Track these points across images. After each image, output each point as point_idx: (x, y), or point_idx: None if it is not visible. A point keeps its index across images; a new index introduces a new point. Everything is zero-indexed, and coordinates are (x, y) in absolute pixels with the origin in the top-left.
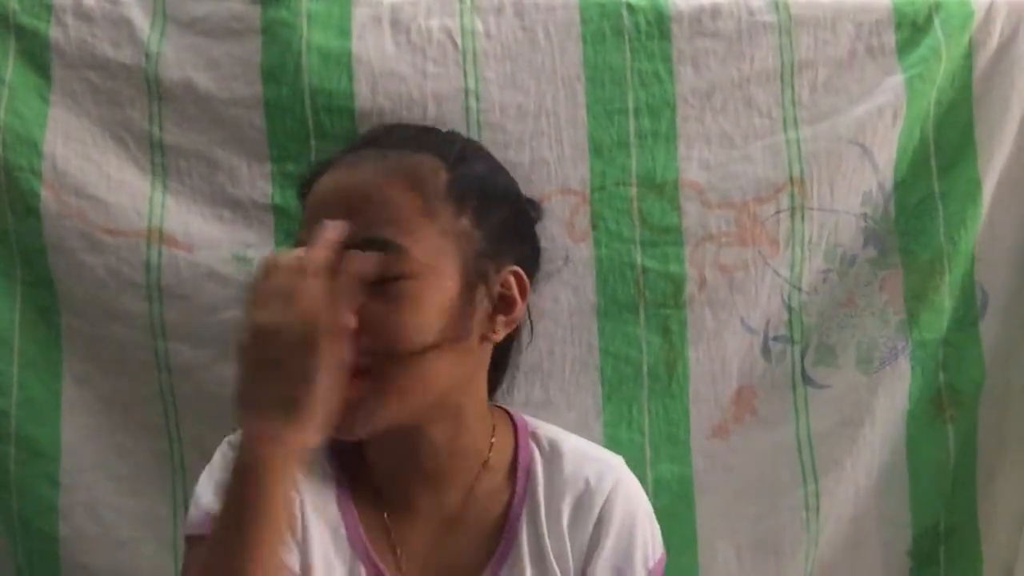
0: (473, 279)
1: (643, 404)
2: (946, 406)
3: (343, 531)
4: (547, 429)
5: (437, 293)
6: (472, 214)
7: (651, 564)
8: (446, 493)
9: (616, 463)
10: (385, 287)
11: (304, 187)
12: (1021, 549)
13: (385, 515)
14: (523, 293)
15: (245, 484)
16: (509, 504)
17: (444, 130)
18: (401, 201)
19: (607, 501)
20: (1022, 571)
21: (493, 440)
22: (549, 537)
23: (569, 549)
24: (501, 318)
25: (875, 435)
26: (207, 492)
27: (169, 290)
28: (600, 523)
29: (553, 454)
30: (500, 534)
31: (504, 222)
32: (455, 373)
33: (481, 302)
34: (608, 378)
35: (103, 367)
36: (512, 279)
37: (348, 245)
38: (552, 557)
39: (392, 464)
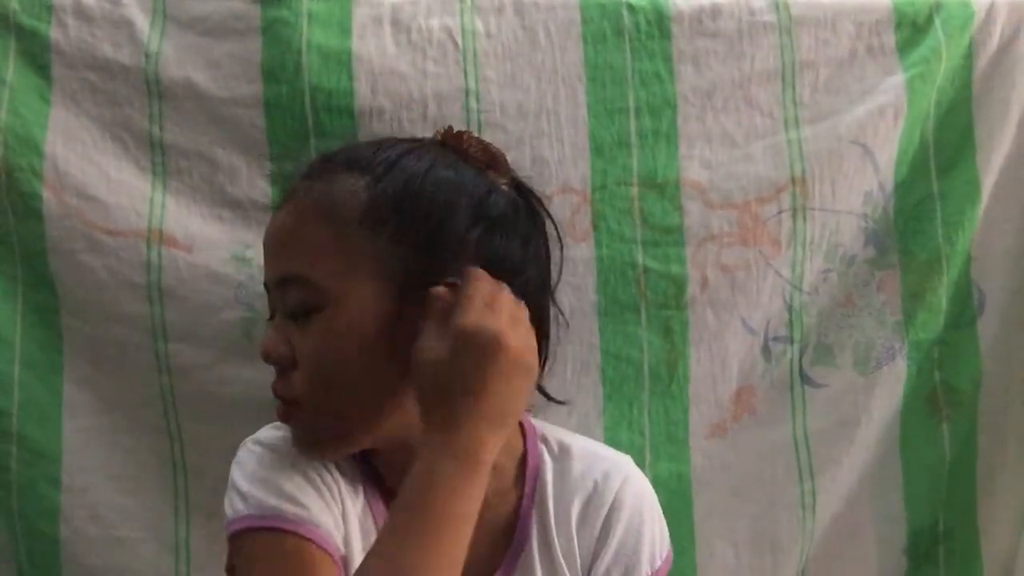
0: (409, 296)
1: (644, 405)
2: (942, 405)
3: (372, 529)
4: (555, 432)
5: (356, 318)
6: (393, 232)
7: (658, 563)
8: None
9: (624, 462)
10: (306, 320)
11: None
12: (1021, 549)
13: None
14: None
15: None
16: (518, 506)
17: (395, 139)
18: (312, 235)
19: (615, 500)
20: (1022, 572)
21: (503, 455)
22: (558, 537)
23: (577, 548)
24: None
25: (871, 434)
26: (256, 487)
27: (169, 291)
28: (608, 522)
29: (562, 455)
30: (510, 536)
31: (441, 233)
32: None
33: (412, 319)
34: (609, 378)
35: (104, 367)
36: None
37: (267, 285)
38: (561, 557)
39: (402, 472)
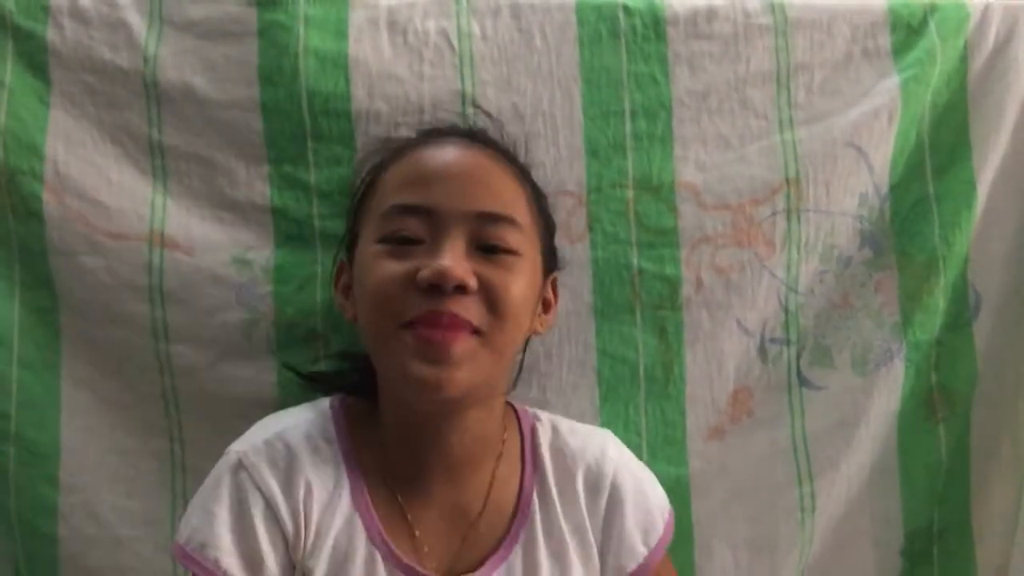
0: (542, 274)
1: (640, 405)
2: (938, 407)
3: (358, 520)
4: (545, 414)
5: (531, 274)
6: (543, 221)
7: (666, 516)
8: (466, 484)
9: (611, 435)
10: (498, 257)
11: (387, 157)
12: (1014, 550)
13: (400, 500)
14: (556, 299)
15: None
16: (520, 487)
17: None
18: (512, 187)
19: (616, 471)
20: (1016, 572)
21: (506, 431)
22: (563, 514)
23: (588, 521)
24: (543, 316)
25: (869, 436)
26: (224, 530)
27: (170, 293)
28: (615, 491)
29: (556, 435)
30: (513, 516)
31: (551, 235)
32: (518, 351)
33: (540, 296)
34: (605, 379)
35: (104, 369)
36: (551, 285)
37: (475, 214)
38: (566, 531)
39: (417, 453)
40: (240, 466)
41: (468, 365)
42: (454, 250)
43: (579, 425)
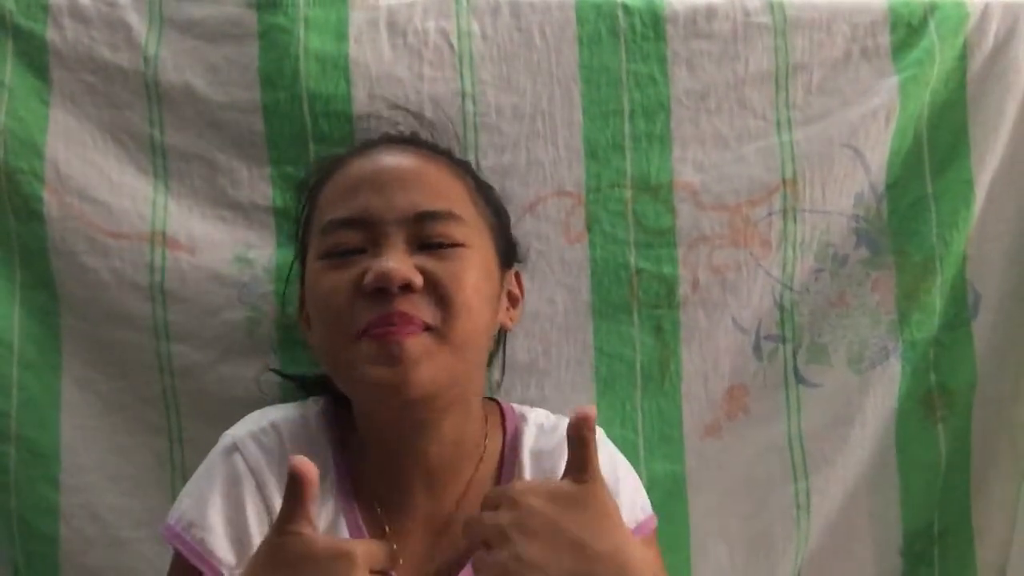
0: (500, 266)
1: (637, 403)
2: (937, 406)
3: (343, 523)
4: (533, 413)
5: (483, 266)
6: (492, 212)
7: (640, 515)
8: (445, 491)
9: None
10: (443, 251)
11: (320, 176)
12: (1013, 549)
13: (379, 513)
14: (523, 292)
15: None
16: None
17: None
18: (449, 182)
19: None
20: (1014, 571)
21: (487, 435)
22: None
23: None
24: (510, 311)
25: (866, 434)
26: (214, 512)
27: (172, 292)
28: None
29: (539, 436)
30: None
31: (505, 226)
32: (485, 349)
33: (502, 289)
34: (603, 377)
35: (104, 368)
36: (515, 279)
37: (412, 215)
38: None
39: (395, 466)
40: (234, 448)
41: (426, 363)
42: (395, 251)
43: (557, 419)
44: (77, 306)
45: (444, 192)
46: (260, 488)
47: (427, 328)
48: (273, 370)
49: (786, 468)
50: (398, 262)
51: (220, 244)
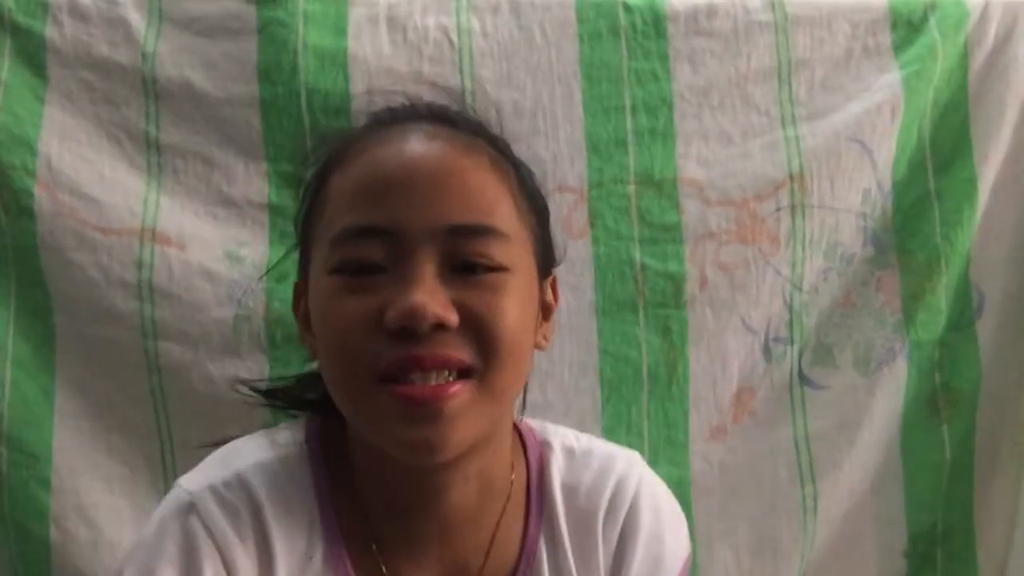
0: (539, 281)
1: (643, 407)
2: (942, 407)
3: None
4: (557, 434)
5: (526, 290)
6: (534, 213)
7: (679, 566)
8: (467, 539)
9: (635, 460)
10: (481, 278)
11: (333, 157)
12: (1013, 550)
13: (384, 570)
14: (557, 299)
15: None
16: (525, 532)
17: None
18: (494, 185)
19: (631, 507)
20: (1014, 571)
21: (513, 470)
22: (574, 556)
23: (600, 558)
24: (544, 325)
25: (872, 436)
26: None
27: (160, 288)
28: (627, 529)
29: (570, 466)
30: (516, 566)
31: (546, 226)
32: (524, 381)
33: (539, 307)
34: (608, 380)
35: (94, 367)
36: (549, 286)
37: (446, 228)
38: (574, 570)
39: (407, 516)
40: (190, 508)
41: (465, 418)
42: (424, 279)
43: (598, 445)
44: (67, 303)
45: (485, 198)
46: (221, 553)
47: (463, 370)
48: (243, 381)
49: (793, 472)
50: (428, 294)
51: (211, 241)
